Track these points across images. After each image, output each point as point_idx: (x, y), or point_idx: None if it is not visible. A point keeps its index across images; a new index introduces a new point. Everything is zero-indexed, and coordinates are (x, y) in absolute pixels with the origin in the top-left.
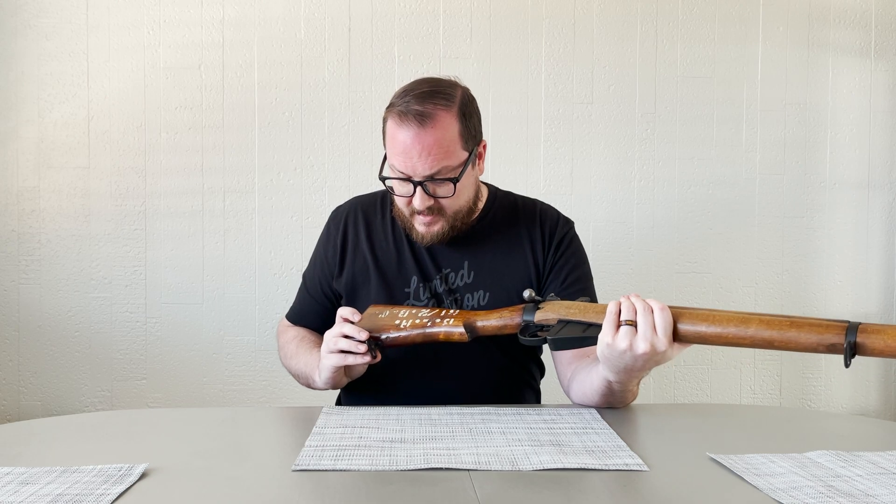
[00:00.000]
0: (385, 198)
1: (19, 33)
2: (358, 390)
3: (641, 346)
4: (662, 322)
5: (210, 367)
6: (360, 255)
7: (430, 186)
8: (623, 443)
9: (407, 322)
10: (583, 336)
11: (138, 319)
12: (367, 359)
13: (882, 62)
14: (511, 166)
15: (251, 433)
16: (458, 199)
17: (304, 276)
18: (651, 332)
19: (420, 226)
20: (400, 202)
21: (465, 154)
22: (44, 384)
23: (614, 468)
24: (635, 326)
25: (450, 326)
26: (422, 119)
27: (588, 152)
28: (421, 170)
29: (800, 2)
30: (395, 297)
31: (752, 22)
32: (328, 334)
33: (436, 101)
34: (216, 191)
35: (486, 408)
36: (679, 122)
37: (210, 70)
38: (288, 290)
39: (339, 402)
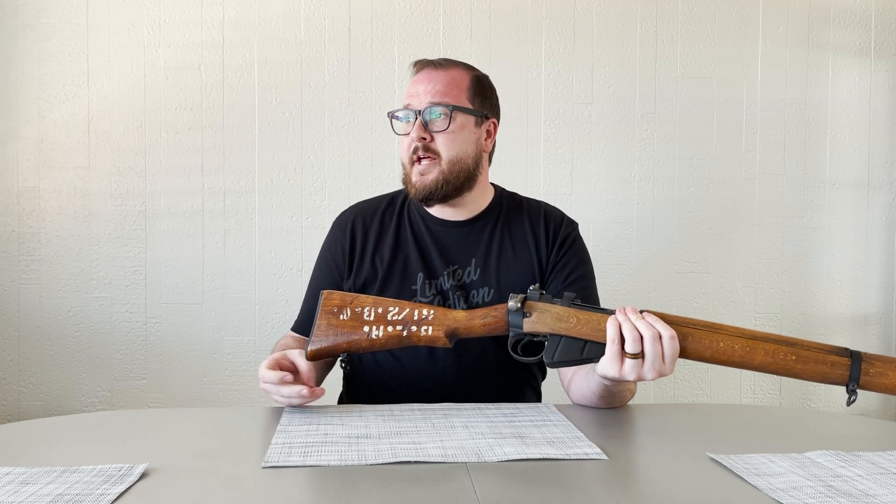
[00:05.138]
0: (392, 200)
1: (19, 33)
2: (358, 390)
3: (650, 376)
4: (671, 351)
5: (210, 367)
6: (367, 257)
7: (428, 122)
8: (581, 433)
9: (378, 331)
10: (582, 358)
11: (138, 319)
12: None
13: (882, 62)
14: (511, 166)
15: (251, 433)
16: (453, 143)
17: (311, 283)
18: (660, 363)
19: (416, 175)
20: (402, 148)
21: (470, 107)
22: (44, 384)
23: (574, 457)
24: (641, 356)
25: (430, 335)
26: (437, 63)
27: (588, 152)
28: (423, 97)
29: (800, 2)
30: (401, 296)
31: (752, 22)
32: (272, 387)
33: (456, 62)
34: (216, 191)
35: (446, 404)
36: (679, 122)
37: (210, 70)
38: (288, 289)
39: (340, 402)
